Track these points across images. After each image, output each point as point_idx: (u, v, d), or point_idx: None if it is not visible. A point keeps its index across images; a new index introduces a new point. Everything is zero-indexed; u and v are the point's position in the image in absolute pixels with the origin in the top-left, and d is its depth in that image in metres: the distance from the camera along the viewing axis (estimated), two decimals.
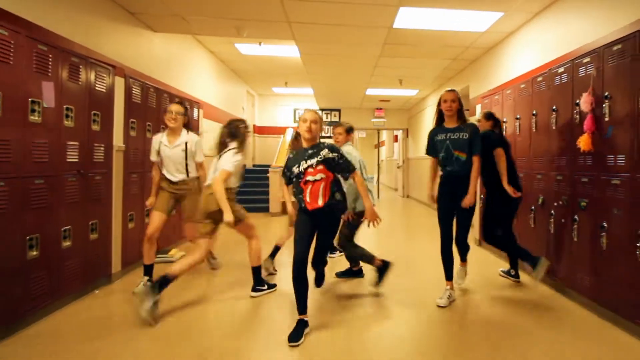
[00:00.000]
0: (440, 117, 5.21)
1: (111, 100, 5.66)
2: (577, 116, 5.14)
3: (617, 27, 4.65)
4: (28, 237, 4.24)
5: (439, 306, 5.08)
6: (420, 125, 15.83)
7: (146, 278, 5.38)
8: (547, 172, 5.82)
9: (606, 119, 4.62)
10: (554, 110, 5.65)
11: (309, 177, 4.25)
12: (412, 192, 17.82)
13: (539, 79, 6.10)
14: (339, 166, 4.35)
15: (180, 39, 8.42)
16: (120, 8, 6.17)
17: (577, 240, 5.15)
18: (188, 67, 8.89)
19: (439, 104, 5.16)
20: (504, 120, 7.15)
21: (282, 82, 14.27)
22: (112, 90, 5.70)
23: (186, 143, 5.53)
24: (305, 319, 4.29)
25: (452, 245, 5.24)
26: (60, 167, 4.66)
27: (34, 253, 4.31)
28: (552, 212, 5.66)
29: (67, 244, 4.82)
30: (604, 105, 4.64)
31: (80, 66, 4.99)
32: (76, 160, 4.93)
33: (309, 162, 4.27)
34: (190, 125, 5.82)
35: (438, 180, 5.37)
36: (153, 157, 5.54)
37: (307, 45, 8.55)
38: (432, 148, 5.28)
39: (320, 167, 4.26)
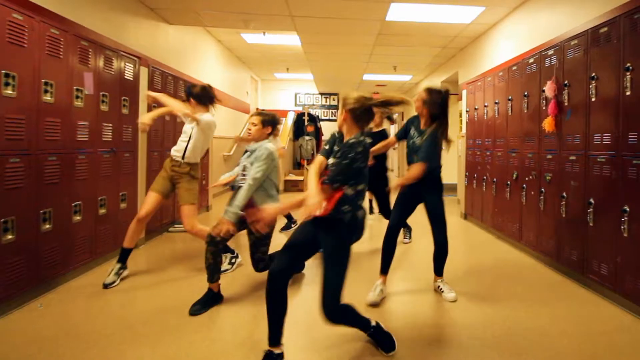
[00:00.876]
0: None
1: (137, 87, 6.42)
2: (544, 101, 5.88)
3: (577, 24, 5.29)
4: (73, 204, 5.01)
5: (370, 304, 4.53)
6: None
7: (118, 266, 5.05)
8: (521, 150, 6.56)
9: (566, 104, 5.36)
10: (525, 95, 6.39)
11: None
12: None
13: (514, 67, 6.83)
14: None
15: (191, 30, 9.07)
16: (141, 4, 6.84)
17: (543, 209, 5.91)
18: (198, 55, 9.57)
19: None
20: (485, 104, 7.89)
21: (284, 68, 14.83)
22: (138, 78, 6.44)
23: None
24: (277, 352, 3.25)
25: (397, 234, 4.81)
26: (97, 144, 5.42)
27: (78, 217, 5.09)
28: (524, 185, 6.42)
29: (102, 211, 5.59)
30: (564, 92, 5.38)
31: (113, 58, 5.73)
32: (110, 139, 5.68)
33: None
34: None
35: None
36: None
37: (307, 36, 9.21)
38: (402, 137, 4.96)
39: None
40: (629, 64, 4.30)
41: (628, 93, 4.31)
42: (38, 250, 4.47)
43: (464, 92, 9.39)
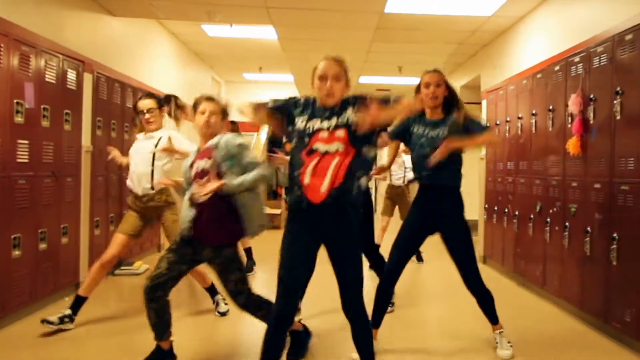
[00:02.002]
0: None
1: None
2: (569, 118, 6.73)
3: (609, 25, 6.03)
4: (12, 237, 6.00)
5: None
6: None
7: (68, 312, 5.78)
8: (545, 177, 7.53)
9: (591, 122, 6.25)
10: (550, 110, 7.32)
11: (318, 146, 3.88)
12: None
13: (539, 75, 7.81)
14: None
15: (139, 22, 9.80)
16: None
17: (567, 247, 6.91)
18: (147, 52, 10.37)
19: (417, 89, 5.18)
20: (507, 119, 8.93)
21: (256, 67, 15.50)
22: (82, 86, 7.45)
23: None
24: None
25: (397, 279, 5.17)
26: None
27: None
28: (548, 219, 7.42)
29: (43, 245, 6.55)
30: (589, 108, 6.27)
31: (54, 63, 6.74)
32: (51, 161, 6.67)
33: (324, 123, 3.93)
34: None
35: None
36: None
37: (287, 30, 10.24)
38: (399, 133, 5.30)
39: (341, 133, 3.89)
40: (619, 88, 5.26)
41: None
42: None
43: (484, 102, 10.36)
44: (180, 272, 4.65)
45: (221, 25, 10.71)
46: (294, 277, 3.99)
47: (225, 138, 4.63)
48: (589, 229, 6.28)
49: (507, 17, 8.94)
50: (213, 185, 4.31)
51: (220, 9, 8.84)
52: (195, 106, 4.76)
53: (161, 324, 4.66)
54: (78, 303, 5.83)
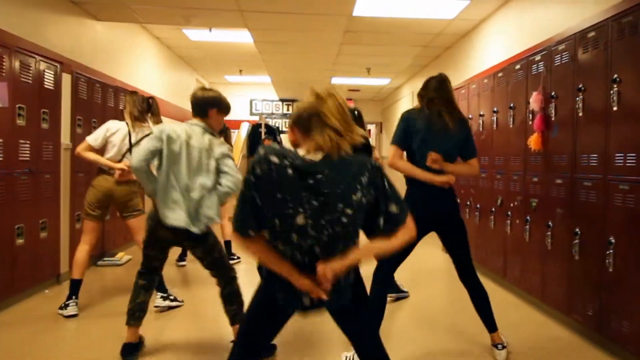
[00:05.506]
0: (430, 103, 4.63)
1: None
2: (530, 115, 6.42)
3: (571, 24, 5.71)
4: None
5: None
6: (395, 118, 16.93)
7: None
8: (506, 172, 7.19)
9: (553, 119, 5.91)
10: (511, 107, 6.99)
11: None
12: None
13: (500, 74, 7.49)
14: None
15: (124, 27, 9.56)
16: None
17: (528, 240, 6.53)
18: (132, 55, 10.10)
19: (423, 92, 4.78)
20: (470, 116, 8.48)
21: (237, 70, 15.36)
22: (60, 87, 6.98)
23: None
24: None
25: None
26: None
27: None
28: (509, 212, 6.99)
29: (20, 241, 6.06)
30: (550, 105, 5.93)
31: (31, 64, 6.25)
32: (27, 158, 6.18)
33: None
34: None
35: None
36: None
37: (261, 33, 9.82)
38: (404, 137, 4.59)
39: None
40: (615, 75, 4.79)
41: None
42: None
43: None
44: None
45: (201, 30, 10.51)
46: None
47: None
48: (550, 223, 5.97)
49: (468, 20, 8.72)
50: None
51: (197, 13, 8.52)
52: (224, 108, 4.69)
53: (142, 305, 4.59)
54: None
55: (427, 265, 8.75)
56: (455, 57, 10.28)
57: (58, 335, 5.21)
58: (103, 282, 7.29)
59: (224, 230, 8.09)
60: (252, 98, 19.01)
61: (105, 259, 8.09)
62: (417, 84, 11.64)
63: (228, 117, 4.74)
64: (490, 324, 4.74)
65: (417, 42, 10.37)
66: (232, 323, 4.65)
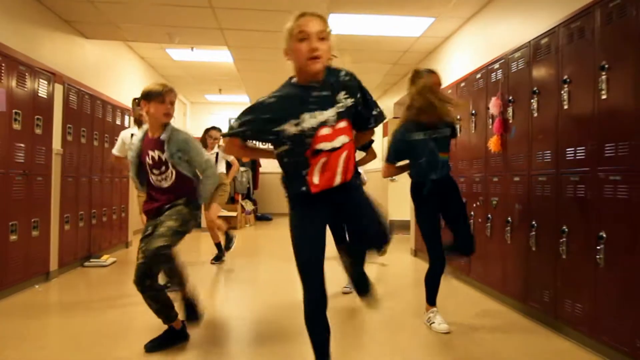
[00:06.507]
0: (421, 111, 5.01)
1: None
2: (490, 119, 6.71)
3: (527, 36, 6.00)
4: None
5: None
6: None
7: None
8: (469, 175, 7.50)
9: (510, 121, 6.20)
10: (472, 114, 7.30)
11: (323, 145, 3.11)
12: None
13: (462, 84, 7.80)
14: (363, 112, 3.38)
15: (111, 45, 9.89)
16: (56, 17, 7.65)
17: (490, 237, 6.83)
18: (118, 73, 10.40)
19: (421, 92, 4.97)
20: None
21: (216, 89, 15.73)
22: (53, 96, 7.27)
23: None
24: None
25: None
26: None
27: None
28: (472, 212, 7.25)
29: (13, 237, 6.31)
30: (508, 109, 6.23)
31: (26, 74, 6.53)
32: (22, 161, 6.44)
33: (323, 115, 3.13)
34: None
35: None
36: None
37: (240, 51, 10.19)
38: (401, 153, 5.26)
39: (343, 123, 3.18)
40: (566, 76, 5.09)
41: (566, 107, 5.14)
42: None
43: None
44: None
45: (184, 49, 10.84)
46: (308, 242, 3.24)
47: (175, 134, 4.50)
48: (509, 219, 6.23)
49: (434, 37, 8.99)
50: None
51: (179, 31, 8.84)
52: (153, 96, 4.43)
53: (162, 308, 4.43)
54: None
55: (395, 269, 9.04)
56: None
57: (47, 323, 5.42)
58: (89, 280, 7.52)
59: (212, 233, 8.54)
60: (230, 116, 19.03)
61: (92, 260, 8.34)
62: (388, 102, 11.81)
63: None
64: (431, 297, 5.26)
65: (387, 60, 10.63)
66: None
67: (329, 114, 3.09)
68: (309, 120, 3.07)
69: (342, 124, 3.13)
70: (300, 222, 3.26)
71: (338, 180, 3.12)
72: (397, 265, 9.14)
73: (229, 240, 8.87)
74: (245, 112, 3.23)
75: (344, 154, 3.11)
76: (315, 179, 3.11)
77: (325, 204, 3.21)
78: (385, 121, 4.76)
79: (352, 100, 3.22)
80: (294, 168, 3.19)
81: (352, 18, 8.08)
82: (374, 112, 3.41)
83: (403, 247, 10.65)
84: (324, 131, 3.08)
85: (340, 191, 3.16)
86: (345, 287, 6.61)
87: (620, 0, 4.31)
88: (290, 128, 3.09)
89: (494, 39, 7.01)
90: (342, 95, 3.17)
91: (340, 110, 3.13)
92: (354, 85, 3.30)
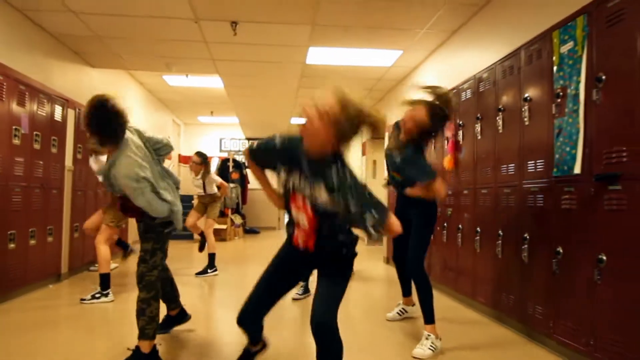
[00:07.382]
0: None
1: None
2: (445, 141, 7.48)
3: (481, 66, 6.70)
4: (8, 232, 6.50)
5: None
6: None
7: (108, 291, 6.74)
8: None
9: (461, 142, 6.98)
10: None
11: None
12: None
13: None
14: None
15: (114, 73, 10.59)
16: (66, 48, 8.40)
17: (446, 242, 7.57)
18: (120, 98, 10.86)
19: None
20: None
21: (208, 112, 16.38)
22: (66, 119, 8.09)
23: None
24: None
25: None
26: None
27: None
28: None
29: (32, 242, 7.08)
30: (459, 132, 7.02)
31: (45, 100, 7.35)
32: (41, 175, 7.23)
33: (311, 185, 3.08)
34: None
35: None
36: None
37: (230, 79, 10.92)
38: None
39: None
40: (501, 106, 5.89)
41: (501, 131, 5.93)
42: None
43: (386, 135, 10.98)
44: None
45: (179, 76, 11.52)
46: (275, 286, 3.37)
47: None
48: (460, 226, 6.91)
49: (404, 66, 9.63)
50: None
51: (176, 61, 9.61)
52: None
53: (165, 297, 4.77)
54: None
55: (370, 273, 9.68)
56: (394, 99, 11.07)
57: (61, 314, 6.19)
58: (94, 282, 7.92)
59: (208, 239, 9.05)
60: (222, 137, 20.10)
61: (97, 265, 8.89)
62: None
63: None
64: (428, 315, 4.97)
65: (363, 86, 11.30)
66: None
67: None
68: (300, 180, 3.14)
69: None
70: (280, 253, 3.40)
71: (302, 244, 3.18)
72: (370, 274, 9.77)
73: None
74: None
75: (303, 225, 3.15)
76: (297, 231, 3.21)
77: (305, 259, 3.25)
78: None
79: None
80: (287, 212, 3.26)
81: (330, 51, 8.78)
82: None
83: (377, 256, 11.41)
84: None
85: (317, 256, 3.19)
86: (297, 293, 6.98)
87: (537, 45, 5.19)
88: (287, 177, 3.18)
89: (450, 72, 7.73)
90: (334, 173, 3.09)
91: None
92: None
